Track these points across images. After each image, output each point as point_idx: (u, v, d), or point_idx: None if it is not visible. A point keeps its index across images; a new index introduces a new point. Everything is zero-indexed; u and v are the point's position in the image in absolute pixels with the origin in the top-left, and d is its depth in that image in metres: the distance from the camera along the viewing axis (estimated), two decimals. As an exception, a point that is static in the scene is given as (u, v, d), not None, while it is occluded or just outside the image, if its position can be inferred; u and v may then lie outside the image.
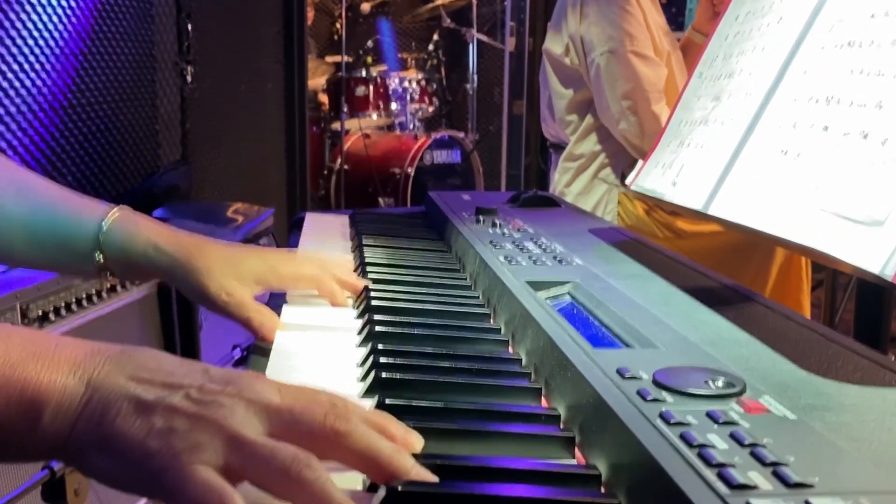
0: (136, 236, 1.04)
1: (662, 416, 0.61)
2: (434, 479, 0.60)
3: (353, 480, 0.63)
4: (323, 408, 0.61)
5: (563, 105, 2.71)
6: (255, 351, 1.00)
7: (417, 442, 0.65)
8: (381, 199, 5.47)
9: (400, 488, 0.58)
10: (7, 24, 2.49)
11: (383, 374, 0.81)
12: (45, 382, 0.59)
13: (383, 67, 6.21)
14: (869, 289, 1.83)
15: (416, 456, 0.62)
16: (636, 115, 2.46)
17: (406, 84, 5.90)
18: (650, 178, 1.29)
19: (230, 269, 1.02)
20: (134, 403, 0.58)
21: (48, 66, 2.67)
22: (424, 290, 1.13)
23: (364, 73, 5.79)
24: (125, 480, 0.58)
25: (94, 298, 2.00)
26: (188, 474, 0.55)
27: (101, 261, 1.04)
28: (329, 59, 6.27)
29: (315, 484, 0.56)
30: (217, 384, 0.61)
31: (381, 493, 0.58)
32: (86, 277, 1.11)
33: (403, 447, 0.63)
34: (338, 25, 6.08)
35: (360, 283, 1.13)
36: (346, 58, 5.68)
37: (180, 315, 2.37)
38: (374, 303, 1.06)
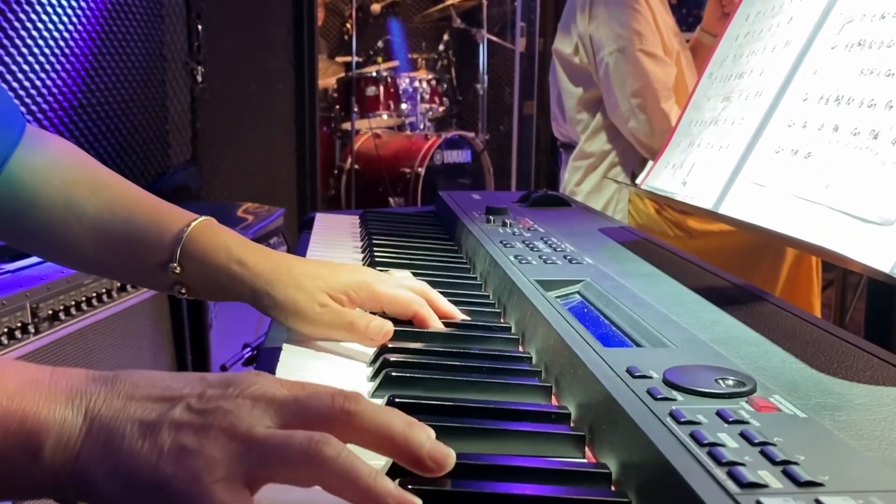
0: (219, 248, 0.96)
1: (672, 415, 0.61)
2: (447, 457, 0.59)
3: None
4: (329, 392, 0.60)
5: (572, 103, 2.72)
6: (265, 350, 1.00)
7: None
8: (391, 199, 5.48)
9: (409, 487, 0.58)
10: (17, 24, 2.50)
11: (393, 372, 0.82)
12: (43, 414, 0.57)
13: (394, 63, 6.23)
14: (879, 288, 1.82)
15: None
16: (645, 113, 2.46)
17: (416, 84, 5.92)
18: (661, 177, 1.29)
19: (322, 283, 0.95)
20: (137, 425, 0.57)
21: (58, 67, 2.69)
22: (435, 289, 1.13)
23: (374, 74, 5.80)
24: None
25: (105, 297, 1.99)
26: (209, 496, 0.54)
27: (178, 272, 0.96)
28: (339, 59, 6.29)
29: (338, 460, 0.54)
30: (217, 389, 0.59)
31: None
32: (157, 289, 1.05)
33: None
34: (348, 26, 6.10)
35: (456, 312, 1.03)
36: (356, 58, 5.69)
37: (191, 314, 2.37)
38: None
